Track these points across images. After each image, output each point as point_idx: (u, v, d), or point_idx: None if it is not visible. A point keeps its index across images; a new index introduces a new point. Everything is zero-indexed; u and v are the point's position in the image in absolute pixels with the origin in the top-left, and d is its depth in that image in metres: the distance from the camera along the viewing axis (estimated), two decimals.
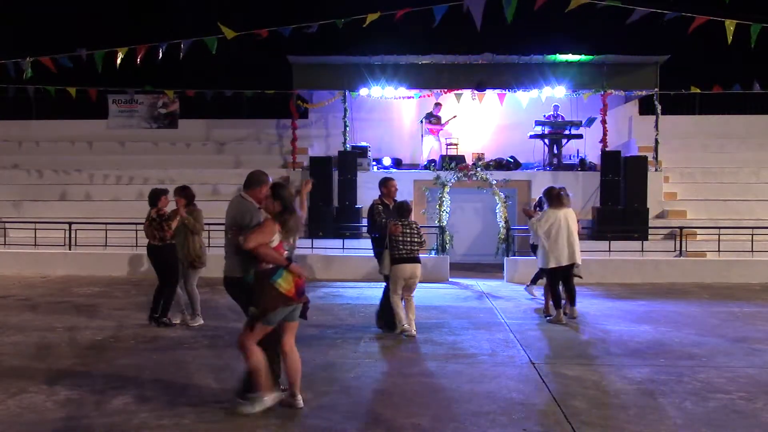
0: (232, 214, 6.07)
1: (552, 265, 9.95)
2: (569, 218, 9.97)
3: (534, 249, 11.52)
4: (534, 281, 12.50)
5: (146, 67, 12.65)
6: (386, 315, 9.17)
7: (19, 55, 13.19)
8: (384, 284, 9.31)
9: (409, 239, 8.80)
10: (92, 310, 9.69)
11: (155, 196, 9.61)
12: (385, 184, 9.50)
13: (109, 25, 25.26)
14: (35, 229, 16.22)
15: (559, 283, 10.09)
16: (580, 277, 10.42)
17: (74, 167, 19.99)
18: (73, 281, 14.08)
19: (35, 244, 16.13)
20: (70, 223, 15.97)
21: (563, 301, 10.14)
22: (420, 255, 9.09)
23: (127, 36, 13.13)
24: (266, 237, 5.61)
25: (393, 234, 8.77)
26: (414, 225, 8.97)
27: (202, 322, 9.61)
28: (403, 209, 9.03)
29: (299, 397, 5.88)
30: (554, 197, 10.07)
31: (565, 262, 9.90)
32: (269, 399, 5.72)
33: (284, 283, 5.60)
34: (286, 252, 5.76)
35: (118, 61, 12.29)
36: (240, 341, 5.70)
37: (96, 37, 16.30)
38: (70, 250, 15.94)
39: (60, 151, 21.12)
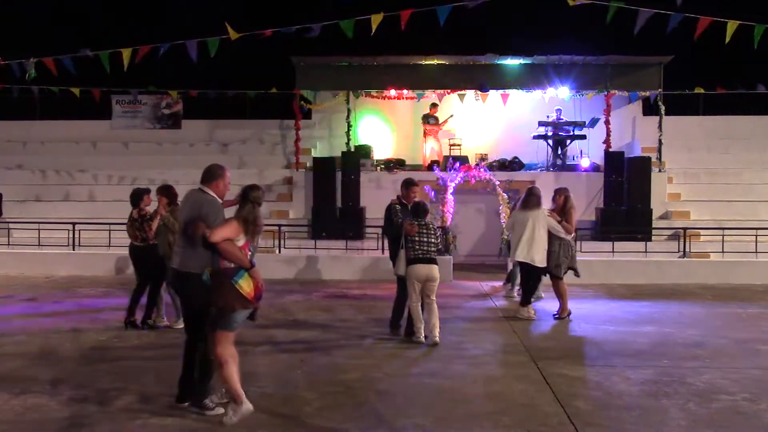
0: (190, 206, 5.96)
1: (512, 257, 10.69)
2: (536, 220, 10.20)
3: None
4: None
5: (149, 67, 12.67)
6: (397, 319, 9.08)
7: (23, 56, 13.24)
8: (396, 287, 9.15)
9: (425, 239, 8.60)
10: (96, 310, 9.72)
11: (137, 196, 9.52)
12: (408, 186, 9.31)
13: (112, 25, 25.30)
14: (39, 230, 16.23)
15: (529, 278, 10.50)
16: (577, 276, 10.50)
17: (78, 168, 20.02)
18: (77, 281, 14.10)
19: (39, 244, 16.14)
20: (74, 224, 15.98)
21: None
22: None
23: (131, 36, 13.14)
24: (233, 233, 5.53)
25: (409, 234, 8.62)
26: (430, 225, 8.78)
27: None
28: (419, 209, 8.81)
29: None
30: (522, 200, 10.65)
31: (519, 259, 10.26)
32: (245, 406, 5.54)
33: (245, 285, 5.52)
34: (249, 253, 5.67)
35: (126, 62, 12.31)
36: (216, 355, 5.54)
37: (99, 37, 16.35)
38: (73, 250, 15.96)
39: (64, 151, 21.15)
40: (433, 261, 8.71)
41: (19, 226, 16.87)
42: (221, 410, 5.69)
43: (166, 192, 9.43)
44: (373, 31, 11.05)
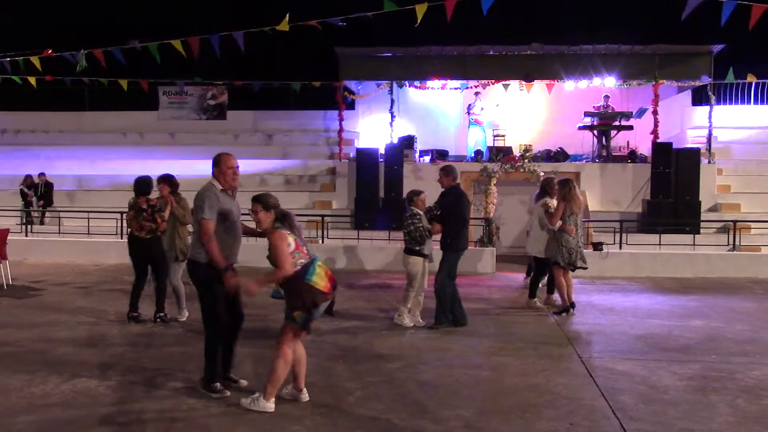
0: (196, 197, 6.03)
1: None
2: (534, 212, 10.60)
3: None
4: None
5: (196, 58, 12.81)
6: (450, 309, 8.98)
7: (73, 48, 13.49)
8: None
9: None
10: (143, 298, 9.86)
11: (149, 185, 8.95)
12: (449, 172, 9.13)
13: (160, 17, 25.63)
14: (88, 218, 16.57)
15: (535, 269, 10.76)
16: (572, 270, 10.11)
17: (126, 158, 20.38)
18: (125, 269, 14.26)
19: (88, 233, 16.49)
20: (121, 213, 16.24)
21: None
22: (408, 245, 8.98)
23: (180, 28, 13.29)
24: (284, 247, 5.49)
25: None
26: (408, 213, 8.96)
27: (188, 314, 9.14)
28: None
29: (305, 391, 5.88)
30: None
31: (527, 251, 10.89)
32: (269, 405, 5.61)
33: (319, 280, 5.54)
34: (305, 250, 5.63)
35: (182, 51, 12.46)
36: (280, 343, 5.62)
37: (148, 28, 16.59)
38: (121, 238, 16.20)
39: (113, 141, 21.58)
40: (405, 250, 9.04)
41: (69, 214, 17.25)
42: (227, 393, 5.93)
43: (169, 181, 9.16)
44: (418, 21, 10.99)
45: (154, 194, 9.04)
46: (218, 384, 5.99)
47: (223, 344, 6.07)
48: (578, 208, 9.78)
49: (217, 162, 6.11)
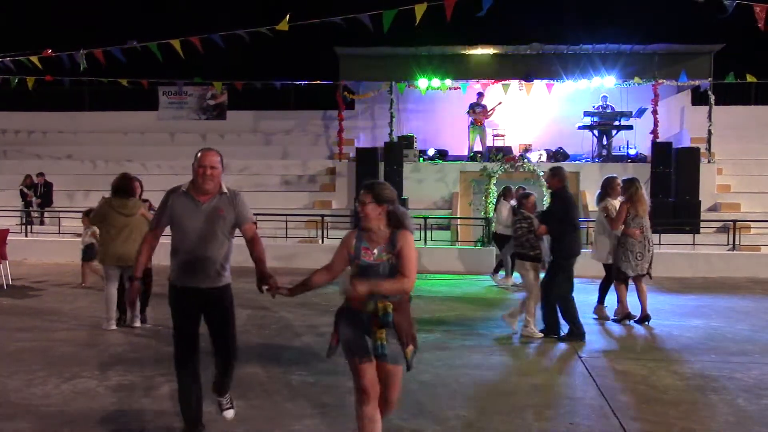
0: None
1: None
2: (597, 216, 9.84)
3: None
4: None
5: (195, 59, 12.83)
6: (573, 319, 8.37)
7: (71, 48, 13.50)
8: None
9: None
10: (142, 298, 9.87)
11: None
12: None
13: (159, 17, 25.65)
14: None
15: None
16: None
17: (126, 158, 20.39)
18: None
19: None
20: None
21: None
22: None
23: (179, 28, 13.30)
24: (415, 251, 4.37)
25: None
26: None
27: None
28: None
29: None
30: None
31: None
32: None
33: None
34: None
35: (180, 52, 12.47)
36: (394, 402, 4.54)
37: (146, 29, 16.58)
38: None
39: (112, 141, 21.58)
40: (516, 256, 8.92)
41: (69, 215, 17.26)
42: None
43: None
44: (417, 21, 10.99)
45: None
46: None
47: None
48: (644, 211, 9.09)
49: (195, 158, 5.00)
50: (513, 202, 12.45)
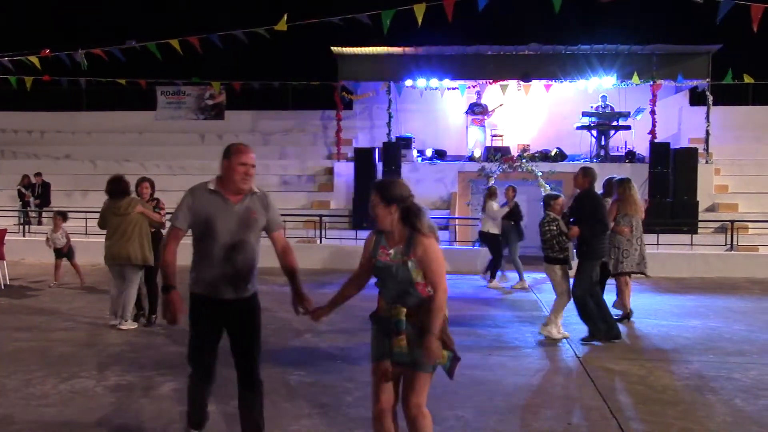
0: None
1: None
2: None
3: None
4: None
5: (193, 59, 12.83)
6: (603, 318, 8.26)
7: (69, 48, 13.49)
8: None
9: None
10: (141, 298, 9.85)
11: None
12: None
13: (158, 17, 25.65)
14: (86, 218, 16.55)
15: None
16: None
17: (124, 158, 20.38)
18: None
19: (86, 233, 16.46)
20: None
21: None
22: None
23: (178, 28, 13.30)
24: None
25: None
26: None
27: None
28: None
29: None
30: None
31: None
32: None
33: None
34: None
35: (179, 50, 12.48)
36: (419, 405, 4.30)
37: (145, 29, 16.58)
38: None
39: (110, 141, 21.57)
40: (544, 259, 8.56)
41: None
42: None
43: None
44: (419, 23, 11.00)
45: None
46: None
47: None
48: (633, 210, 9.27)
49: (227, 153, 4.47)
50: (497, 203, 12.56)
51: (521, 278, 12.61)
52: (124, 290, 8.70)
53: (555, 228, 8.23)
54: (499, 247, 12.84)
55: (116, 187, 8.88)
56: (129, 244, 8.59)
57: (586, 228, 8.10)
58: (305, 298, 4.47)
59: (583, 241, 8.18)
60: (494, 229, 12.68)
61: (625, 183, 9.37)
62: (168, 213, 9.47)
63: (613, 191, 9.56)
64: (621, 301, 9.49)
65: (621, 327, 8.70)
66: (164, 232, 9.19)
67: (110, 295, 9.08)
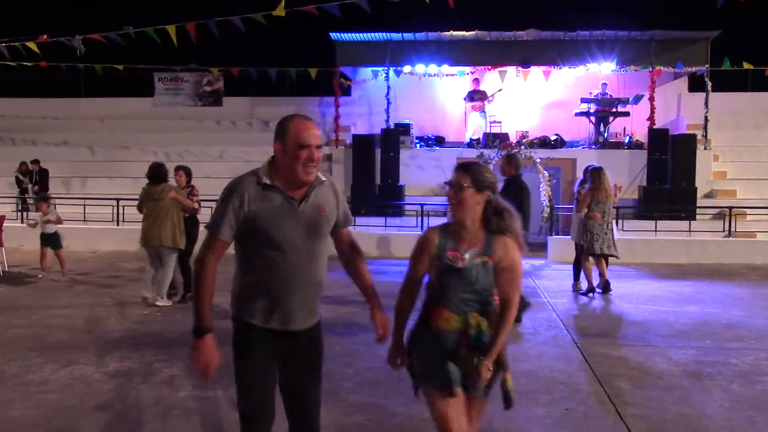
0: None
1: None
2: None
3: None
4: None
5: (191, 45, 12.77)
6: None
7: (66, 34, 13.44)
8: None
9: None
10: (140, 284, 9.87)
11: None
12: None
13: (155, 2, 25.52)
14: (84, 205, 16.54)
15: None
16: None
17: (122, 144, 20.32)
18: (122, 256, 14.36)
19: (84, 220, 16.45)
20: (118, 200, 16.24)
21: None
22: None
23: (175, 13, 13.24)
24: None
25: None
26: None
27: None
28: None
29: None
30: None
31: None
32: None
33: None
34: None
35: (174, 39, 12.44)
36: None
37: (142, 14, 16.50)
38: (118, 225, 16.23)
39: (108, 128, 21.51)
40: None
41: (65, 202, 17.22)
42: None
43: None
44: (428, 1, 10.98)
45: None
46: None
47: None
48: (604, 197, 10.05)
49: (281, 132, 3.41)
50: None
51: None
52: (159, 270, 9.28)
53: None
54: None
55: (156, 173, 9.39)
56: (161, 227, 9.12)
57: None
58: (386, 318, 3.62)
59: None
60: None
61: (597, 171, 10.14)
62: (201, 200, 10.01)
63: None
64: (587, 275, 10.36)
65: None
66: (199, 218, 9.68)
67: (145, 274, 9.54)
